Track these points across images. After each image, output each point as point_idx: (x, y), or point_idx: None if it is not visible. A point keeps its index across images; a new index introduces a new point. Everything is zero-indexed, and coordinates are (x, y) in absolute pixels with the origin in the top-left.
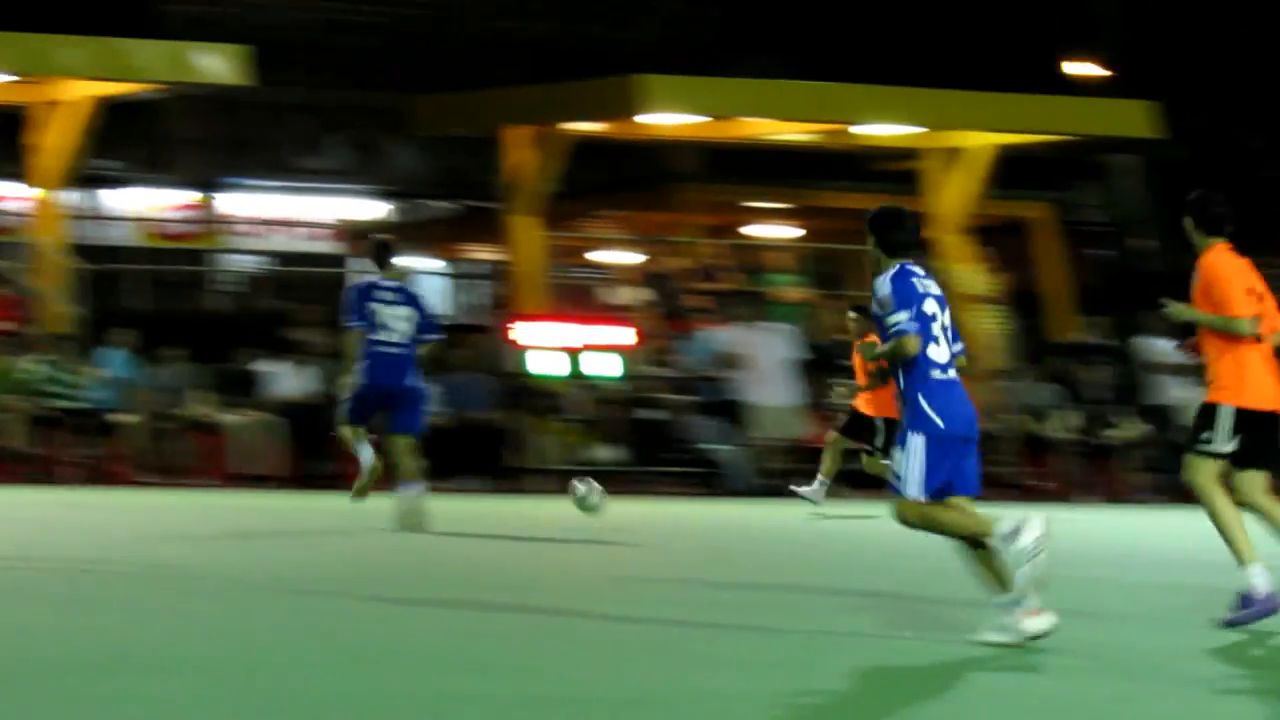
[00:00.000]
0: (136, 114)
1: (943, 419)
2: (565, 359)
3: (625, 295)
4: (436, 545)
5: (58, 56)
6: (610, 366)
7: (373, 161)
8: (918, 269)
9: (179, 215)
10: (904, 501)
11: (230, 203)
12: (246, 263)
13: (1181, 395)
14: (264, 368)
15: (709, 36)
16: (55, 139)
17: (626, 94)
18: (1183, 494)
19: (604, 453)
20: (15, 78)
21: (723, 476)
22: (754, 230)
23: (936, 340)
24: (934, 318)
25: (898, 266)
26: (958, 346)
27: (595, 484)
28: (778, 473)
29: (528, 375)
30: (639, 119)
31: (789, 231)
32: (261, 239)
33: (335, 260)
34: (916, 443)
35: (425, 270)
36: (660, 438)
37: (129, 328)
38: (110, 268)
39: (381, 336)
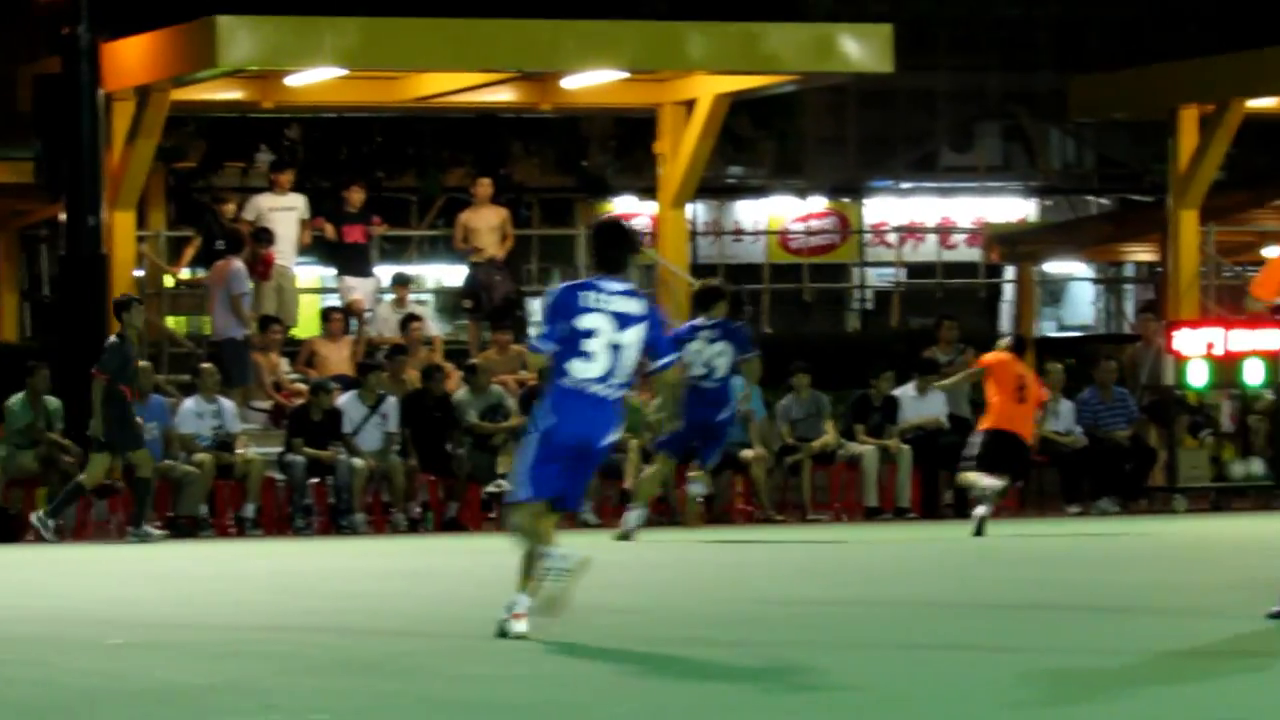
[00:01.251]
0: (765, 112)
1: (560, 420)
2: (1212, 368)
3: None
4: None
5: (684, 47)
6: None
7: (1023, 154)
8: (608, 285)
9: (810, 226)
10: (514, 507)
11: (870, 209)
12: (885, 275)
13: None
14: (898, 392)
15: None
16: (679, 144)
17: None
18: None
19: (1243, 468)
20: (634, 73)
21: None
22: None
23: (587, 356)
24: (591, 334)
25: (580, 281)
26: (662, 361)
27: None
28: None
29: (1173, 387)
30: None
31: None
32: (902, 248)
33: (976, 270)
34: (530, 440)
35: (1078, 275)
36: None
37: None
38: (739, 288)
39: (698, 374)
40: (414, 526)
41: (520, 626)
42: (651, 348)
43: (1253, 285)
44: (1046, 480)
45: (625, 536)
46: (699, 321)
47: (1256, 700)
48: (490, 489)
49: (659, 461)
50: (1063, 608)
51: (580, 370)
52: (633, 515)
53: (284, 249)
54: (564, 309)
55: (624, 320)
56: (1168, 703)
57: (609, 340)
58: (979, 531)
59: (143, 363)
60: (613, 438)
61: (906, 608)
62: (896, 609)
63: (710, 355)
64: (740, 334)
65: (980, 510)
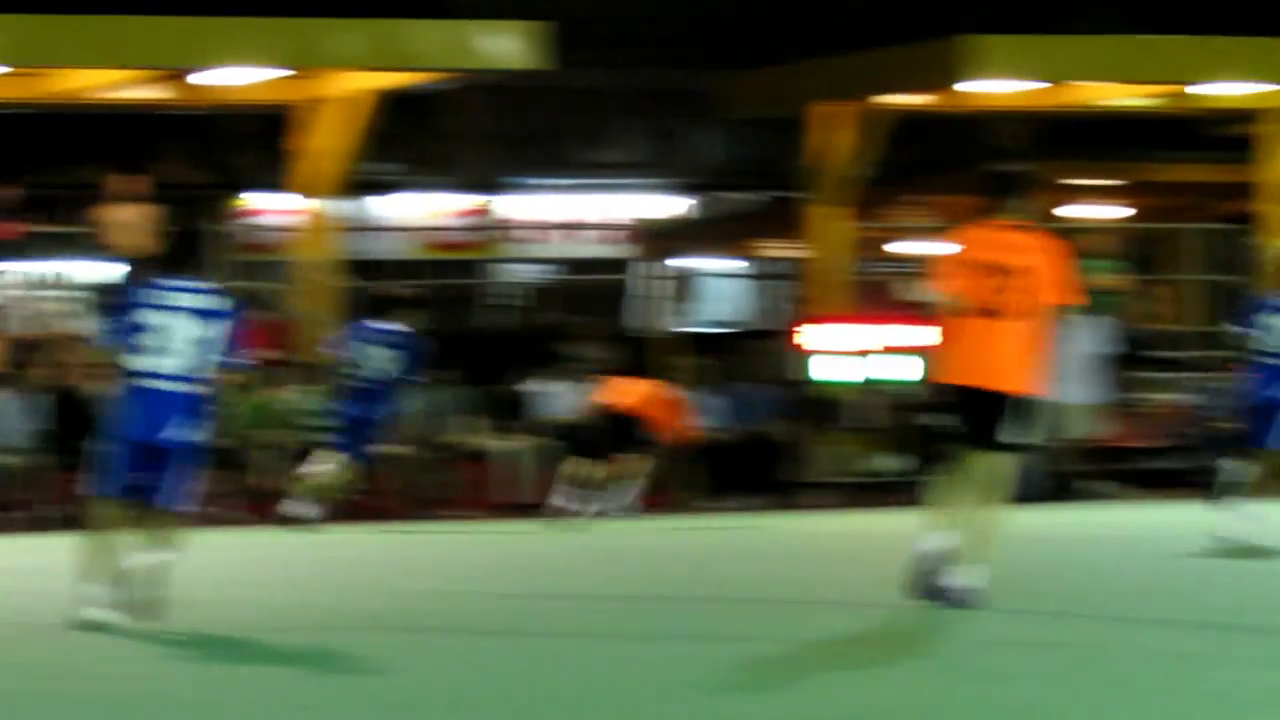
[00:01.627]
0: (410, 110)
1: (126, 414)
2: (859, 363)
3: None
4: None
5: (330, 45)
6: (911, 370)
7: (672, 152)
8: (173, 282)
9: (457, 223)
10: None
11: (513, 205)
12: (529, 272)
13: None
14: (537, 388)
15: None
16: (325, 141)
17: (947, 58)
18: None
19: (887, 463)
20: (284, 72)
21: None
22: (1077, 210)
23: (147, 351)
24: (151, 329)
25: (142, 279)
26: (229, 361)
27: None
28: (1075, 475)
29: (811, 383)
30: (959, 87)
31: (1116, 211)
32: (546, 245)
33: (625, 266)
34: (106, 443)
35: (723, 271)
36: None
37: None
38: (383, 285)
39: (366, 374)
40: (59, 524)
41: (96, 614)
42: (226, 347)
43: (930, 283)
44: (687, 476)
45: (293, 523)
46: (371, 324)
47: (914, 681)
48: None
49: (336, 461)
50: (705, 600)
51: (142, 364)
52: (302, 507)
53: None
54: (125, 305)
55: (192, 316)
56: (825, 689)
57: (171, 336)
58: None
59: None
60: (185, 432)
61: (549, 600)
62: (539, 601)
63: (377, 359)
64: (411, 341)
65: None
